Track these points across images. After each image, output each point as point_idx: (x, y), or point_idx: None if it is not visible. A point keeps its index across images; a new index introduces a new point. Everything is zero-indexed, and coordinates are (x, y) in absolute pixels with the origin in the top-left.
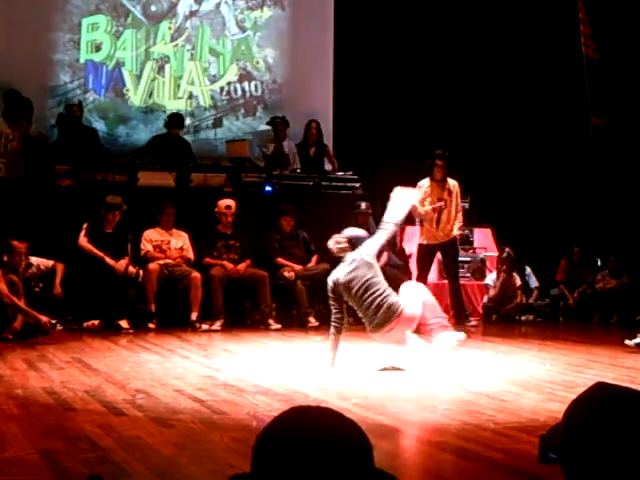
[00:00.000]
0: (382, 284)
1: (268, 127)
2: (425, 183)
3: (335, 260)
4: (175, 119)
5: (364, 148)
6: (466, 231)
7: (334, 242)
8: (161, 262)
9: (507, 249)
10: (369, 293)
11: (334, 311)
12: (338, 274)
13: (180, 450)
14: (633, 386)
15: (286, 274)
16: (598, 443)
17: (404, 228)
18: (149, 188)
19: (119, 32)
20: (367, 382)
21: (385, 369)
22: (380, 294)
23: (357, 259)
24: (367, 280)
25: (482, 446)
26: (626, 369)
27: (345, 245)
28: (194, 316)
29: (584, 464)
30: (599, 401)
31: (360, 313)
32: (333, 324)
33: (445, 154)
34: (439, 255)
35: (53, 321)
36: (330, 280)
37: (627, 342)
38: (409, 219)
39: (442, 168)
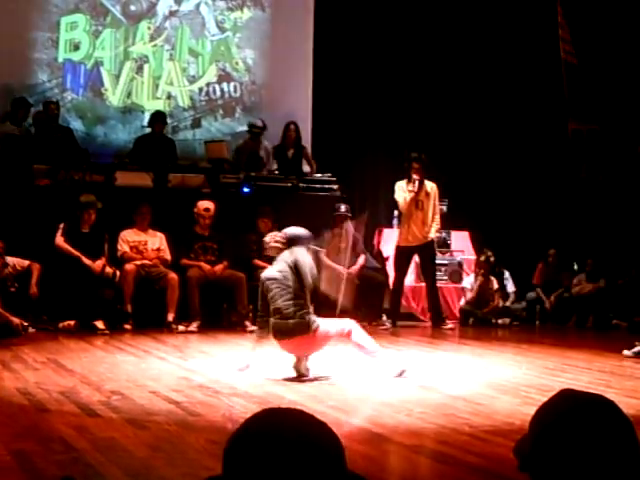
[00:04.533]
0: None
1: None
2: (402, 185)
3: (315, 262)
4: (158, 116)
5: (343, 150)
6: (444, 234)
7: (272, 239)
8: (138, 263)
9: (489, 252)
10: (284, 298)
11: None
12: (267, 272)
13: (155, 452)
14: (609, 390)
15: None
16: (563, 449)
17: (381, 230)
18: (127, 188)
19: (98, 31)
20: (343, 385)
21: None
22: (295, 303)
23: (287, 262)
24: (287, 286)
25: (458, 449)
26: (601, 373)
27: (281, 245)
28: (170, 317)
29: (550, 470)
30: (564, 408)
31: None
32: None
33: (421, 157)
34: (416, 257)
35: (25, 323)
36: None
37: (625, 352)
38: (387, 221)
39: (419, 171)
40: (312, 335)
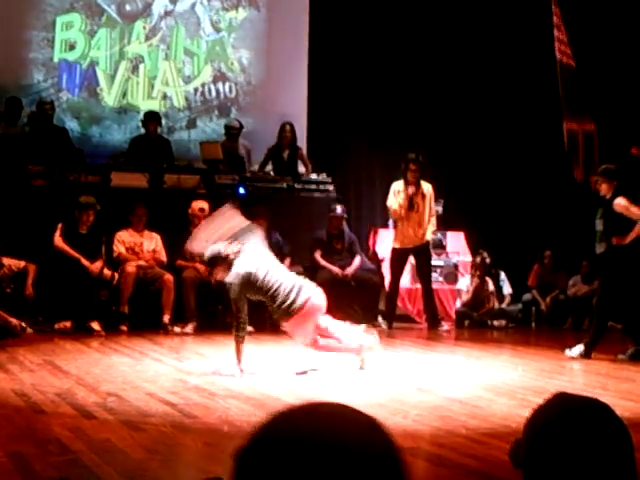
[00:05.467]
0: None
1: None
2: (399, 185)
3: (310, 263)
4: (150, 115)
5: (338, 150)
6: (439, 235)
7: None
8: (134, 264)
9: (484, 254)
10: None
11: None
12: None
13: (151, 454)
14: (605, 392)
15: None
16: (558, 452)
17: (377, 232)
18: (122, 189)
19: (93, 31)
20: (338, 387)
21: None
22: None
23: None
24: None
25: (454, 452)
26: (597, 375)
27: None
28: (166, 319)
29: (545, 472)
30: (558, 411)
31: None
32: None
33: (418, 158)
34: (412, 259)
35: (23, 324)
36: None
37: (620, 356)
38: (383, 222)
39: (415, 172)
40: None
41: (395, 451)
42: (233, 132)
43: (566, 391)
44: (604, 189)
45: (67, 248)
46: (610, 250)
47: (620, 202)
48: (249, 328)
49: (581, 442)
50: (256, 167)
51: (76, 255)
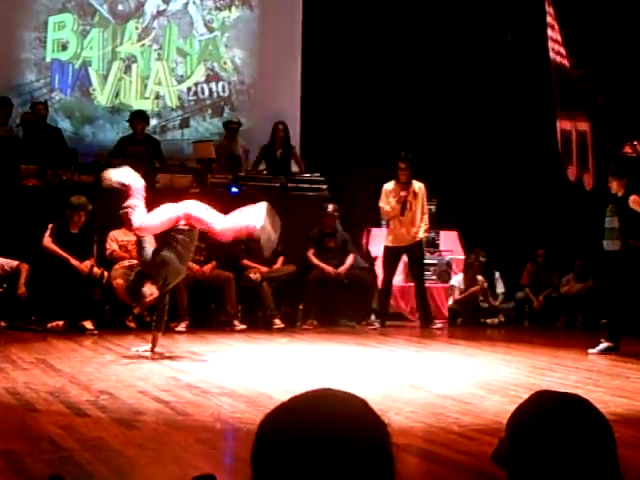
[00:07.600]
0: None
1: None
2: (390, 186)
3: (304, 261)
4: (137, 114)
5: (331, 150)
6: (432, 234)
7: None
8: (126, 263)
9: (481, 253)
10: None
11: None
12: None
13: (143, 451)
14: (597, 389)
15: (252, 275)
16: (540, 449)
17: (370, 230)
18: (114, 189)
19: (86, 31)
20: (331, 384)
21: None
22: None
23: None
24: None
25: (446, 448)
26: (589, 372)
27: None
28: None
29: (528, 470)
30: (540, 410)
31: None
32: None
33: (408, 157)
34: (405, 257)
35: (3, 324)
36: None
37: (590, 351)
38: (376, 221)
39: (405, 171)
40: None
41: (388, 445)
42: (232, 127)
43: (547, 389)
44: (615, 187)
45: (56, 248)
46: (626, 249)
47: (637, 199)
48: (242, 326)
49: (563, 438)
50: (262, 168)
51: (65, 255)
